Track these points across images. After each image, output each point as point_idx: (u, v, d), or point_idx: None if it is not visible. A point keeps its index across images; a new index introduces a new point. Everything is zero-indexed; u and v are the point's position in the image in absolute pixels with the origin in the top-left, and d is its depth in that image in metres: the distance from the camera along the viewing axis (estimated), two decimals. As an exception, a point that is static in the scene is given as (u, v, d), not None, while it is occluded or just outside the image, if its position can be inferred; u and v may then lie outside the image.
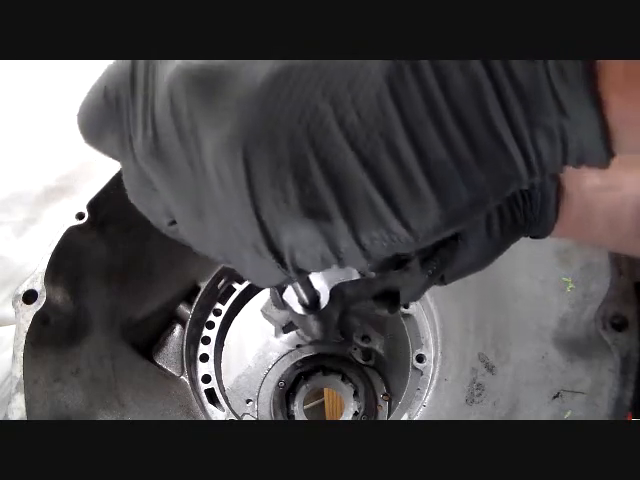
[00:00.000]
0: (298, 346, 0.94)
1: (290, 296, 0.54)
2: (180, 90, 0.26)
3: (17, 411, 0.55)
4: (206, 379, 0.86)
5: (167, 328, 0.87)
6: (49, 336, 0.63)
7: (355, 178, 0.25)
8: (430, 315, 0.85)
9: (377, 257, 0.28)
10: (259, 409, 0.91)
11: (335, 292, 0.53)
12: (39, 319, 0.60)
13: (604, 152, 0.24)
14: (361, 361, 0.92)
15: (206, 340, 0.89)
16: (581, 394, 0.54)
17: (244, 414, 0.89)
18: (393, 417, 0.84)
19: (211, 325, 0.90)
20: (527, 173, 0.26)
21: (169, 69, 0.26)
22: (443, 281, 0.49)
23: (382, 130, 0.24)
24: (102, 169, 0.65)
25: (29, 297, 0.61)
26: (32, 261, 0.93)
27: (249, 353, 1.08)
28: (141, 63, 0.28)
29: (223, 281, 0.91)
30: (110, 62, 0.30)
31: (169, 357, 0.85)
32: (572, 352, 0.58)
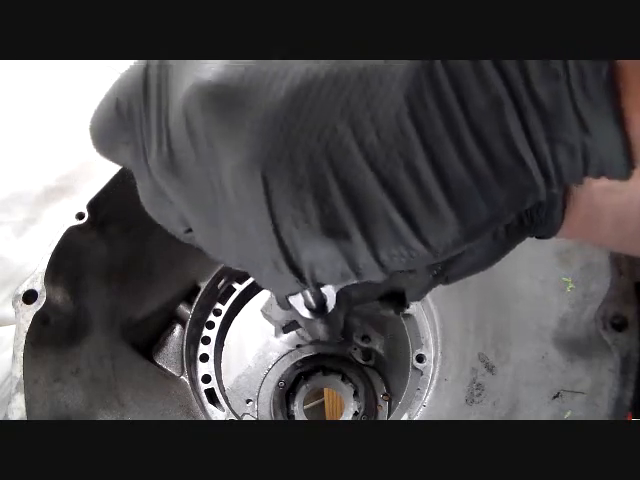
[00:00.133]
0: (298, 346, 0.94)
1: (297, 299, 0.54)
2: (196, 108, 0.25)
3: (17, 411, 0.55)
4: (206, 379, 0.86)
5: (167, 328, 0.86)
6: (49, 336, 0.63)
7: (374, 198, 0.25)
8: (430, 315, 0.85)
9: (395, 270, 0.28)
10: (259, 409, 0.91)
11: (341, 295, 0.53)
12: (39, 319, 0.60)
13: (626, 167, 0.24)
14: (361, 361, 0.92)
15: (206, 340, 0.89)
16: (581, 394, 0.54)
17: (244, 414, 0.89)
18: (393, 417, 0.84)
19: (211, 325, 0.90)
20: (545, 187, 0.26)
21: (184, 84, 0.26)
22: (447, 281, 0.49)
23: (401, 150, 0.24)
24: (102, 169, 0.65)
25: (29, 297, 0.61)
26: (32, 261, 0.93)
27: (249, 353, 1.08)
28: (153, 74, 0.27)
29: (223, 281, 0.91)
30: (109, 62, 0.30)
31: (169, 357, 0.85)
32: (572, 352, 0.58)
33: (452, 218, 0.25)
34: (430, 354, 0.83)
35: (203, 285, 0.89)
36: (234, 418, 0.82)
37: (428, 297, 0.84)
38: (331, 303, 0.53)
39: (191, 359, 0.86)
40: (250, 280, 0.91)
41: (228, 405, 0.84)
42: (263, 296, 0.93)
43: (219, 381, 0.87)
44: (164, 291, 0.85)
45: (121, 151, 0.30)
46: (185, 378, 0.83)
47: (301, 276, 0.28)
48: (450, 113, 0.24)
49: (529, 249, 0.57)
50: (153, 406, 0.76)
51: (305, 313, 0.54)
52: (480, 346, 0.73)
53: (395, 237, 0.26)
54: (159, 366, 0.84)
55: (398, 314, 0.56)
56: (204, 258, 0.33)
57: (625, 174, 0.25)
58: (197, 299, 0.88)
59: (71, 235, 0.65)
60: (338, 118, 0.24)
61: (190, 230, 0.31)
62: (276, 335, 0.95)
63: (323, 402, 1.28)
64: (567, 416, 0.55)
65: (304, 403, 0.93)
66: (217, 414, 0.82)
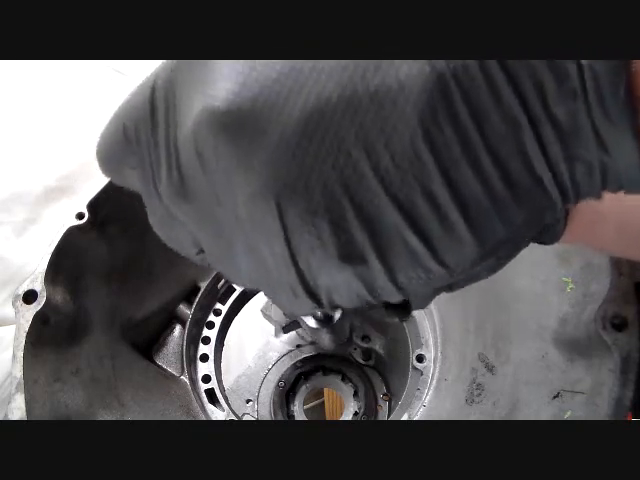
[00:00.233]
0: (298, 346, 0.94)
1: None
2: (206, 134, 0.25)
3: (17, 411, 0.55)
4: (206, 379, 0.86)
5: (167, 328, 0.86)
6: (49, 336, 0.63)
7: (391, 222, 0.25)
8: (430, 315, 0.85)
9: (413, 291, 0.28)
10: (259, 409, 0.91)
11: None
12: (39, 319, 0.60)
13: None
14: (361, 361, 0.92)
15: (206, 340, 0.89)
16: (581, 394, 0.54)
17: (244, 414, 0.89)
18: (393, 417, 0.84)
19: (211, 325, 0.90)
20: (562, 203, 0.26)
21: (193, 108, 0.25)
22: (451, 289, 0.49)
23: (417, 173, 0.24)
24: (102, 169, 0.65)
25: (29, 297, 0.61)
26: (32, 261, 0.93)
27: (249, 353, 1.08)
28: (160, 97, 0.27)
29: (223, 281, 0.91)
30: (109, 62, 0.30)
31: (169, 357, 0.85)
32: (572, 352, 0.58)
33: (470, 239, 0.25)
34: (430, 354, 0.83)
35: (203, 285, 0.89)
36: (234, 418, 0.82)
37: (428, 297, 0.84)
38: (337, 313, 0.53)
39: (191, 359, 0.86)
40: (250, 280, 0.90)
41: (228, 405, 0.84)
42: (263, 296, 0.93)
43: (219, 381, 0.86)
44: (164, 291, 0.85)
45: (128, 175, 0.30)
46: (185, 378, 0.83)
47: (319, 301, 0.28)
48: (466, 135, 0.23)
49: (529, 249, 0.57)
50: (153, 406, 0.76)
51: (311, 323, 0.54)
52: (480, 346, 0.73)
53: (413, 260, 0.26)
54: (159, 366, 0.84)
55: (402, 322, 0.56)
56: (204, 258, 0.33)
57: None
58: (197, 299, 0.88)
59: (71, 235, 0.65)
60: (352, 143, 0.24)
61: (202, 251, 0.31)
62: (276, 335, 0.95)
63: (323, 402, 1.28)
64: (567, 416, 0.55)
65: (304, 403, 0.92)
66: (217, 414, 0.82)
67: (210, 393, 0.85)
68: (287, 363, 0.93)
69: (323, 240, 0.25)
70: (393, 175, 0.24)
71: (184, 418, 0.79)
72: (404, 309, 0.53)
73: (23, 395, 0.56)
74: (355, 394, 0.91)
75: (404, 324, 0.87)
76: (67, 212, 0.66)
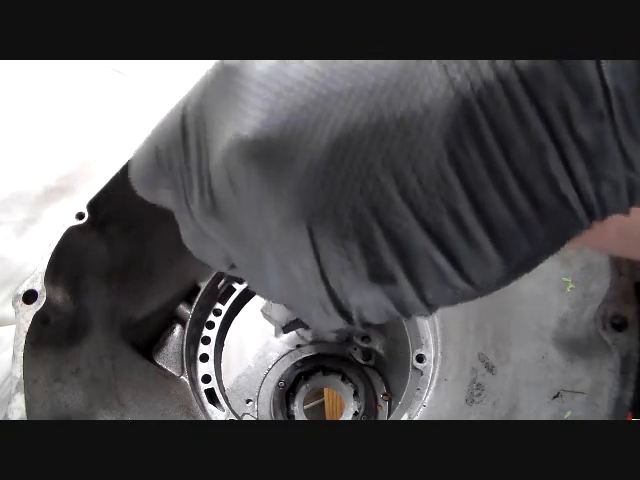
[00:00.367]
0: (298, 346, 0.94)
1: None
2: (236, 164, 0.26)
3: (17, 411, 0.55)
4: (206, 379, 0.86)
5: (167, 328, 0.86)
6: (49, 336, 0.63)
7: (419, 243, 0.26)
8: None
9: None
10: (259, 409, 0.91)
11: None
12: (39, 319, 0.60)
13: None
14: (361, 361, 0.92)
15: (206, 340, 0.89)
16: (581, 394, 0.54)
17: (244, 414, 0.89)
18: (393, 417, 0.84)
19: (211, 325, 0.90)
20: (588, 220, 0.26)
21: (224, 135, 0.26)
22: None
23: (443, 196, 0.24)
24: (102, 169, 0.65)
25: (29, 297, 0.61)
26: (32, 261, 0.93)
27: (249, 353, 1.08)
28: (191, 123, 0.27)
29: (223, 281, 0.91)
30: (109, 62, 0.30)
31: (169, 357, 0.85)
32: (572, 352, 0.58)
33: (496, 259, 0.26)
34: (430, 354, 0.83)
35: (203, 285, 0.89)
36: (234, 418, 0.82)
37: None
38: None
39: (191, 359, 0.86)
40: (250, 280, 0.90)
41: (228, 405, 0.84)
42: (263, 296, 0.93)
43: (219, 381, 0.86)
44: (164, 291, 0.85)
45: (162, 194, 0.31)
46: (185, 378, 0.83)
47: (350, 318, 0.29)
48: (491, 158, 0.24)
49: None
50: (153, 406, 0.76)
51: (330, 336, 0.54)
52: (480, 346, 0.73)
53: (441, 279, 0.26)
54: (159, 366, 0.84)
55: (407, 320, 0.56)
56: (204, 258, 0.33)
57: None
58: (197, 299, 0.88)
59: (71, 235, 0.65)
60: (380, 169, 0.24)
61: (233, 266, 0.32)
62: (276, 335, 0.95)
63: (323, 402, 1.28)
64: (567, 416, 0.55)
65: (304, 403, 0.92)
66: (217, 414, 0.82)
67: (210, 393, 0.85)
68: (287, 363, 0.93)
69: (354, 262, 0.26)
70: (420, 198, 0.25)
71: (184, 418, 0.79)
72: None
73: (23, 395, 0.56)
74: (355, 394, 0.91)
75: (404, 324, 0.87)
76: (67, 212, 0.66)
